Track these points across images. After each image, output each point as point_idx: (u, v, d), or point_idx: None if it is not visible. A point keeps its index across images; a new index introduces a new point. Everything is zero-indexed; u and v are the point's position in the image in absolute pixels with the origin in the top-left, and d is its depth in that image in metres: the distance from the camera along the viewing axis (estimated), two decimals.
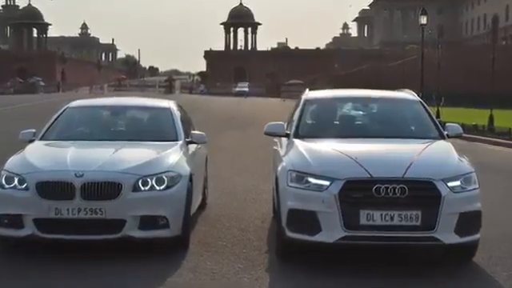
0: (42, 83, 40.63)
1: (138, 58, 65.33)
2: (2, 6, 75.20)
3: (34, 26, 57.92)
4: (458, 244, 2.85)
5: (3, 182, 3.05)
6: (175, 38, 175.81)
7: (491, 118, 11.96)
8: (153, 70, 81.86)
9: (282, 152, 3.37)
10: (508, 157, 8.70)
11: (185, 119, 4.04)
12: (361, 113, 3.80)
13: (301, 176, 2.89)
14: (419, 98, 3.82)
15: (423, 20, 16.08)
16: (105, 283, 2.74)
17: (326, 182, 2.80)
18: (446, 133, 3.48)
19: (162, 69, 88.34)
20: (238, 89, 38.46)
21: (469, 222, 2.85)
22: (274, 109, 18.12)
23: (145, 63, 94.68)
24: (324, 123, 3.64)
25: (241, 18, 54.48)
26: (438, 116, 12.19)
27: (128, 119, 4.01)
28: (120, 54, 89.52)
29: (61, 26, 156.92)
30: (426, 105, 3.72)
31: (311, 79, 31.61)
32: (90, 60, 66.03)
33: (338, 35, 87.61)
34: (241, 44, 56.16)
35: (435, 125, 3.53)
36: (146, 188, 3.02)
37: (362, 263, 3.01)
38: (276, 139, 3.84)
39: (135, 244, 3.05)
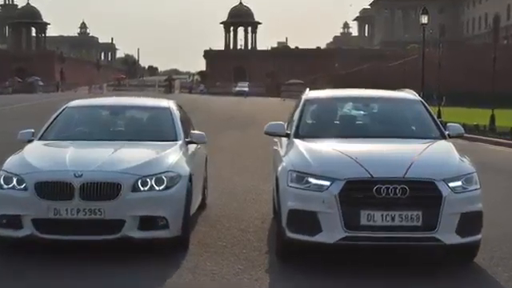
0: (40, 83, 40.55)
1: (137, 58, 65.35)
2: (1, 6, 75.11)
3: (32, 26, 57.77)
4: (460, 244, 2.84)
5: (2, 182, 3.04)
6: (175, 37, 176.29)
7: (492, 118, 11.98)
8: (152, 70, 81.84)
9: (282, 152, 3.36)
10: (509, 157, 8.70)
11: (184, 119, 4.03)
12: (361, 113, 3.79)
13: (301, 176, 2.88)
14: (420, 98, 3.80)
15: (424, 19, 16.05)
16: (104, 284, 2.73)
17: (327, 183, 2.79)
18: (447, 133, 3.47)
19: (161, 68, 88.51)
20: (237, 88, 38.45)
21: (470, 222, 2.84)
22: (273, 108, 18.11)
23: (144, 63, 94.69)
24: (324, 123, 3.63)
25: (241, 18, 54.49)
26: (439, 116, 12.19)
27: (127, 119, 4.00)
28: (119, 54, 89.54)
29: (60, 26, 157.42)
30: (426, 104, 3.70)
31: (311, 79, 31.61)
32: (89, 59, 66.03)
33: (338, 34, 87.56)
34: (241, 43, 56.23)
35: (436, 125, 3.52)
36: (146, 188, 3.01)
37: (362, 264, 3.00)
38: (276, 139, 3.83)
39: (134, 244, 3.04)
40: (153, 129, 3.82)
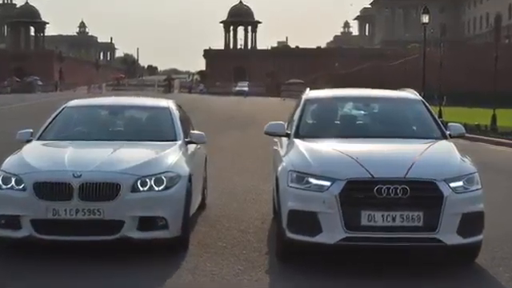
0: (39, 82, 40.37)
1: (136, 57, 65.13)
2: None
3: (31, 25, 57.52)
4: (461, 245, 2.83)
5: (0, 182, 3.03)
6: (174, 36, 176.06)
7: (494, 118, 11.90)
8: (152, 69, 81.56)
9: (282, 152, 3.34)
10: (511, 157, 8.69)
11: (184, 119, 4.01)
12: (362, 112, 3.78)
13: (301, 176, 2.86)
14: (421, 98, 3.79)
15: (425, 19, 16.00)
16: (104, 284, 2.72)
17: (327, 183, 2.78)
18: (448, 133, 3.45)
19: (160, 68, 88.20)
20: (237, 88, 38.41)
21: (471, 222, 2.83)
22: (274, 108, 18.10)
23: (143, 62, 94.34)
24: (325, 123, 3.61)
25: (241, 17, 54.36)
26: (440, 116, 12.15)
27: (126, 119, 3.99)
28: (118, 53, 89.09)
29: (58, 25, 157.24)
30: (428, 104, 3.69)
31: (312, 78, 31.57)
32: (88, 59, 65.85)
33: (338, 34, 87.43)
34: (241, 43, 56.12)
35: (437, 124, 3.51)
36: (145, 188, 3.00)
37: (362, 264, 2.99)
38: (276, 139, 3.81)
39: (134, 245, 3.02)
40: (152, 129, 3.80)
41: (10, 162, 3.20)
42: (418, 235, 2.75)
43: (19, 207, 2.95)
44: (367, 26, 77.30)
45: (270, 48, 55.83)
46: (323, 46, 64.88)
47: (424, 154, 3.03)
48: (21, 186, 2.97)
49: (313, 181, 2.81)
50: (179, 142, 3.56)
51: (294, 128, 3.44)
